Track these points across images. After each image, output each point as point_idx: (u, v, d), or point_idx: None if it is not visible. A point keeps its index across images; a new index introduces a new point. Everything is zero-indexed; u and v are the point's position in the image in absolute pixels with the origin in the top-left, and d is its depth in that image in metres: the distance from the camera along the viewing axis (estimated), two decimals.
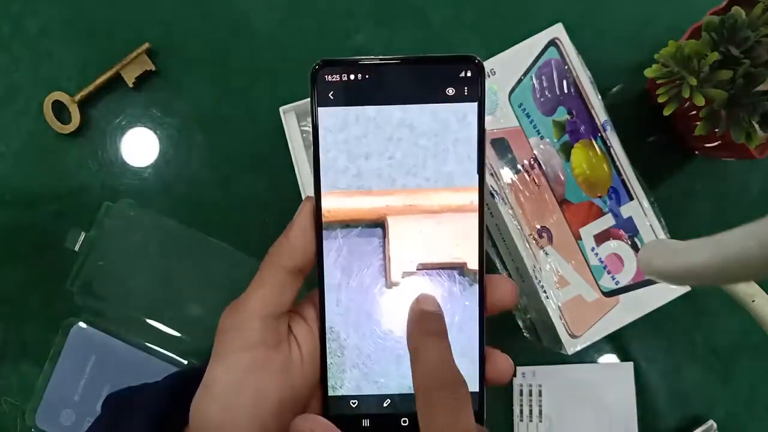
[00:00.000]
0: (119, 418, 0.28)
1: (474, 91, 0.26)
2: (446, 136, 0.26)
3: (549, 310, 0.39)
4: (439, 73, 0.26)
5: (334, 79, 0.25)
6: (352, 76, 0.25)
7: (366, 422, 0.27)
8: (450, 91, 0.26)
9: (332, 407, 0.27)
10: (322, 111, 0.26)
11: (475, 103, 0.26)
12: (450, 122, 0.26)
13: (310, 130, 0.26)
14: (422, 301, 0.25)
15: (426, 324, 0.24)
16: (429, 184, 0.26)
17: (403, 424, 0.26)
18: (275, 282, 0.25)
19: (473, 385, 0.26)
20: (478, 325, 0.26)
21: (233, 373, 0.24)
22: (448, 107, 0.26)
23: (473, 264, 0.26)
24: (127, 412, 0.28)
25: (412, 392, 0.25)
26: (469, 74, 0.26)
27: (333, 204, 0.26)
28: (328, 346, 0.26)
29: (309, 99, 0.26)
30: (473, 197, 0.26)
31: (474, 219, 0.26)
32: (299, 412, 0.26)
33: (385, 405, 0.27)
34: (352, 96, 0.26)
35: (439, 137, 0.26)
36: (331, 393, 0.27)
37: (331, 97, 0.26)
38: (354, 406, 0.27)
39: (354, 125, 0.26)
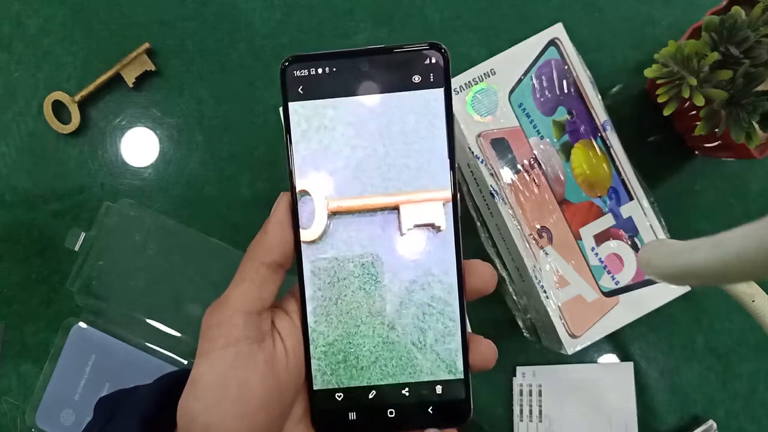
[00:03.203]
0: (110, 421, 0.28)
1: (440, 77, 0.26)
2: (416, 122, 0.26)
3: (549, 310, 0.39)
4: (407, 62, 0.26)
5: (303, 74, 0.26)
6: (320, 70, 0.26)
7: (352, 415, 0.27)
8: (417, 79, 0.26)
9: (318, 401, 0.27)
10: (293, 105, 0.26)
11: (441, 89, 0.26)
12: (418, 108, 0.26)
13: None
14: None
15: None
16: (401, 173, 0.26)
17: (389, 415, 0.27)
18: (255, 277, 0.25)
19: (457, 373, 0.26)
20: (459, 312, 0.26)
21: (217, 369, 0.24)
22: (415, 94, 0.26)
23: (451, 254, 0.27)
24: (118, 414, 0.28)
25: (399, 383, 0.26)
26: (434, 61, 0.26)
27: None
28: (311, 338, 0.27)
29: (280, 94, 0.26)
30: (448, 187, 0.26)
31: (448, 203, 0.26)
32: (286, 406, 0.26)
33: (371, 397, 0.27)
34: (322, 89, 0.26)
35: (409, 123, 0.26)
36: (315, 387, 0.27)
37: (301, 92, 0.26)
38: (339, 399, 0.27)
39: (324, 118, 0.26)
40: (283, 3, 0.46)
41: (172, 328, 0.43)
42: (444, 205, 0.26)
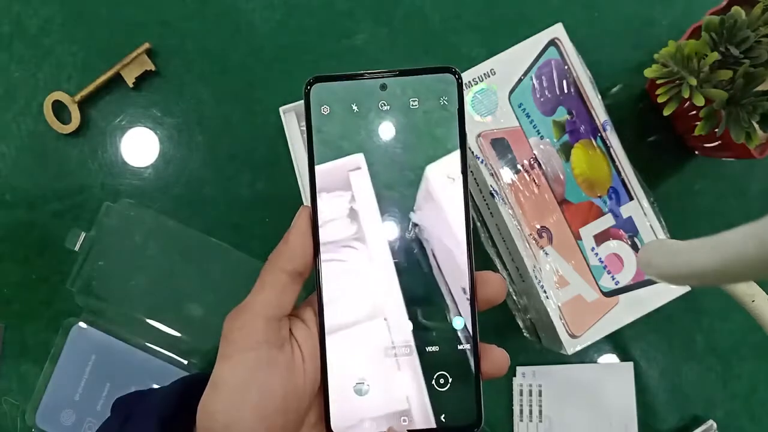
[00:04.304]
0: (127, 420, 0.29)
1: (453, 99, 0.27)
2: (432, 141, 0.27)
3: (549, 310, 0.39)
4: (421, 82, 0.27)
5: (327, 93, 0.27)
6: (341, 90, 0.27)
7: (366, 423, 0.27)
8: (431, 96, 0.27)
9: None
10: (316, 123, 0.27)
11: (455, 110, 0.27)
12: (434, 129, 0.27)
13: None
14: None
15: None
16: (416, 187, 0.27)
17: (402, 422, 0.27)
18: (276, 285, 0.26)
19: (469, 381, 0.27)
20: (471, 322, 0.27)
21: (239, 372, 0.25)
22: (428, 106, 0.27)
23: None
24: (135, 413, 0.29)
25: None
26: (448, 84, 0.27)
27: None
28: (328, 347, 0.27)
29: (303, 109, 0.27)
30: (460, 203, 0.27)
31: (461, 210, 0.27)
32: (303, 412, 0.26)
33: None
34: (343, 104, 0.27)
35: (425, 145, 0.27)
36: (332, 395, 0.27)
37: (323, 112, 0.27)
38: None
39: (347, 137, 0.27)
40: (283, 3, 0.46)
41: (172, 328, 0.43)
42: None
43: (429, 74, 0.27)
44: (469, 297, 0.27)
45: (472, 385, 0.27)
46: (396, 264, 0.27)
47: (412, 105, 0.27)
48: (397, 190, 0.27)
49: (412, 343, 0.27)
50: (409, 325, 0.27)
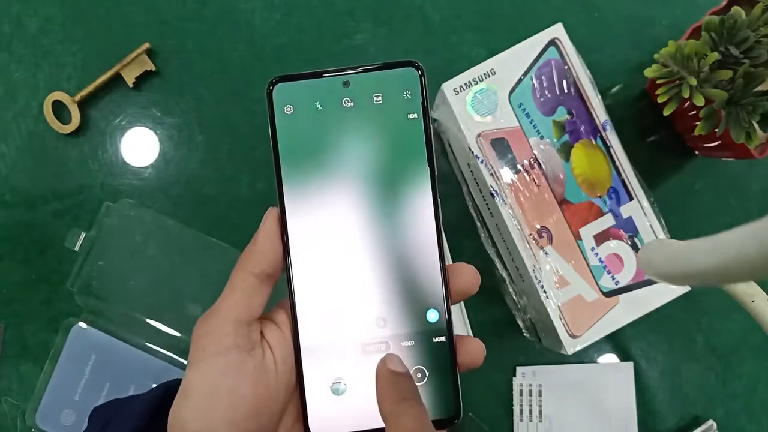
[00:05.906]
0: (103, 430, 0.29)
1: (417, 94, 0.27)
2: (397, 137, 0.27)
3: (549, 310, 0.39)
4: (386, 78, 0.27)
5: (290, 92, 0.27)
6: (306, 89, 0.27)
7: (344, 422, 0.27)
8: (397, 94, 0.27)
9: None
10: (279, 123, 0.27)
11: (419, 104, 0.27)
12: (399, 124, 0.27)
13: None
14: (389, 362, 0.25)
15: (398, 388, 0.25)
16: (385, 186, 0.27)
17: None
18: (245, 288, 0.26)
19: (446, 374, 0.27)
20: (446, 313, 0.27)
21: (208, 377, 0.24)
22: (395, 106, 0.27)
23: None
24: (111, 423, 0.29)
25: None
26: (412, 78, 0.27)
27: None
28: (302, 349, 0.27)
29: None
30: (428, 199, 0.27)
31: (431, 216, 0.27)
32: (276, 415, 0.26)
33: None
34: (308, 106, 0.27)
35: (391, 140, 0.27)
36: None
37: (287, 112, 0.27)
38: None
39: (311, 136, 0.27)
40: (283, 3, 0.46)
41: (172, 328, 0.43)
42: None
43: (391, 69, 0.27)
44: (443, 288, 0.27)
45: (450, 377, 0.27)
46: (369, 262, 0.27)
47: (376, 101, 0.27)
48: (369, 189, 0.27)
49: (388, 339, 0.27)
50: (384, 322, 0.27)
